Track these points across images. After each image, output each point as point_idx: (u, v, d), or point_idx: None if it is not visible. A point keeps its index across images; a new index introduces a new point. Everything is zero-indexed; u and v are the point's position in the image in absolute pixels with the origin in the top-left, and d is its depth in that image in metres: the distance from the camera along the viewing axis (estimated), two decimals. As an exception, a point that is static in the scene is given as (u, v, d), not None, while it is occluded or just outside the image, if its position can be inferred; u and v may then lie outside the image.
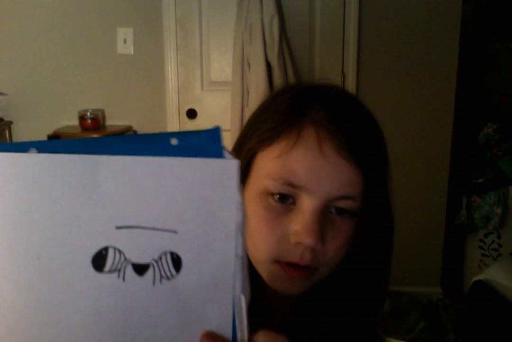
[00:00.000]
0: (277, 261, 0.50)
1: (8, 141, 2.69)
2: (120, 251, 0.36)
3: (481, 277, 1.95)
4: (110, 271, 0.36)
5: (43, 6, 2.60)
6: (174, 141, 0.36)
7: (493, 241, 2.61)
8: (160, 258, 0.37)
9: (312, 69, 2.62)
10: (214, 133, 0.37)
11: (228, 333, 0.38)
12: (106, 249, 0.36)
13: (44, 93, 2.68)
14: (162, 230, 0.37)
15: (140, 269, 0.37)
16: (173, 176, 0.36)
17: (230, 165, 0.37)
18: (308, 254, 0.49)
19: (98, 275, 0.36)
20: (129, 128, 2.65)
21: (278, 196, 0.50)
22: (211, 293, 0.37)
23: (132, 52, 2.61)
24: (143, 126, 2.68)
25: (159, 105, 2.66)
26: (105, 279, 0.36)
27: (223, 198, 0.37)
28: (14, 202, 0.36)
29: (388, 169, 0.55)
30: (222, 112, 2.58)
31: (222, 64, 2.62)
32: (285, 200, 0.50)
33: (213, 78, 2.64)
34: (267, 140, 0.51)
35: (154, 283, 0.37)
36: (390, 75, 2.59)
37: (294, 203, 0.50)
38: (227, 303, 0.37)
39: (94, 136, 2.43)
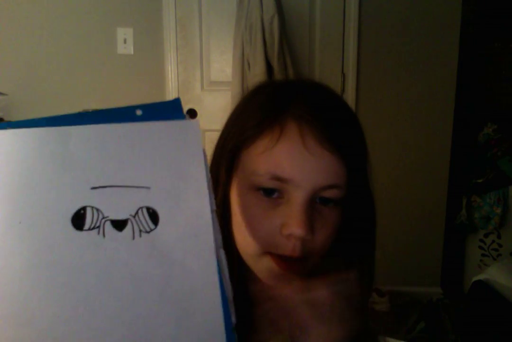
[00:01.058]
0: (269, 253, 0.51)
1: (8, 141, 2.69)
2: (97, 210, 0.38)
3: (481, 277, 1.95)
4: (90, 229, 0.38)
5: (43, 6, 2.60)
6: (139, 112, 0.39)
7: (493, 241, 2.61)
8: (137, 213, 0.39)
9: (312, 69, 2.62)
10: (175, 104, 0.41)
11: (215, 288, 0.38)
12: (84, 208, 0.38)
13: (44, 93, 2.68)
14: (136, 187, 0.39)
15: (119, 224, 0.38)
16: (141, 139, 0.39)
17: (191, 125, 0.42)
18: (299, 245, 0.50)
19: (78, 233, 0.38)
20: (129, 128, 2.65)
21: (265, 190, 0.51)
22: (192, 243, 0.39)
23: (132, 52, 2.62)
24: (143, 126, 2.68)
25: (159, 105, 2.66)
26: (86, 236, 0.38)
27: (189, 155, 0.40)
28: None
29: (368, 158, 0.57)
30: (222, 112, 2.56)
31: (222, 64, 2.62)
32: (272, 194, 0.51)
33: (213, 78, 2.64)
34: (250, 137, 0.51)
35: (133, 237, 0.39)
36: (390, 75, 2.59)
37: (281, 197, 0.51)
38: (210, 255, 0.39)
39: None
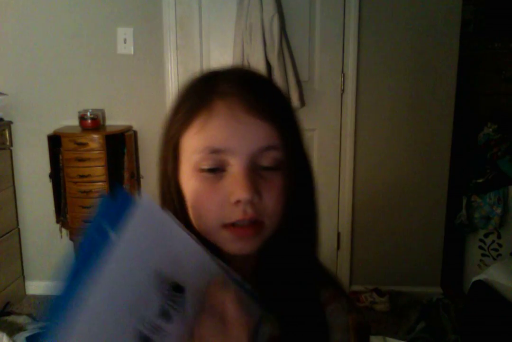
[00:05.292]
0: (225, 226, 0.55)
1: (8, 141, 2.69)
2: None
3: (481, 277, 1.95)
4: None
5: (43, 6, 2.60)
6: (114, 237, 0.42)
7: (493, 241, 2.61)
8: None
9: (312, 69, 2.62)
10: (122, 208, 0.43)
11: None
12: None
13: (44, 93, 2.68)
14: None
15: None
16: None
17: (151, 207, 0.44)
18: (249, 208, 0.54)
19: None
20: (129, 128, 2.65)
21: (207, 169, 0.55)
22: None
23: (132, 52, 2.61)
24: (143, 126, 2.68)
25: (159, 105, 2.66)
26: None
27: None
28: None
29: (298, 123, 0.61)
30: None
31: (222, 64, 2.62)
32: (215, 170, 0.55)
33: (213, 78, 2.64)
34: (185, 122, 0.56)
35: None
36: (390, 75, 2.59)
37: (224, 170, 0.55)
38: None
39: (94, 136, 2.43)
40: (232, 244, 0.56)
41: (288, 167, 0.57)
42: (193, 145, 0.55)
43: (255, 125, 0.53)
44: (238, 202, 0.54)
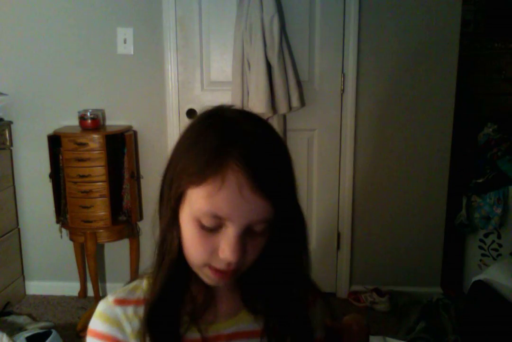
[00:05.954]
0: (208, 265, 0.65)
1: (8, 141, 2.69)
2: None
3: (481, 277, 1.95)
4: None
5: (43, 6, 2.60)
6: None
7: (493, 241, 2.61)
8: None
9: (312, 69, 2.62)
10: None
11: None
12: None
13: (44, 93, 2.68)
14: None
15: None
16: None
17: None
18: (233, 264, 0.63)
19: None
20: (129, 128, 2.65)
21: (207, 226, 0.63)
22: None
23: (132, 52, 2.62)
24: (143, 126, 2.68)
25: (159, 105, 2.66)
26: None
27: None
28: None
29: (295, 187, 0.69)
30: (222, 112, 2.57)
31: (222, 64, 2.62)
32: (214, 224, 0.63)
33: (213, 78, 2.64)
34: (195, 182, 0.62)
35: None
36: (390, 75, 2.59)
37: (221, 226, 0.63)
38: None
39: (94, 136, 2.43)
40: (210, 280, 0.67)
41: (276, 229, 0.66)
42: (200, 206, 0.62)
43: (257, 203, 0.61)
44: (225, 258, 0.63)
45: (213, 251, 0.63)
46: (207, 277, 0.66)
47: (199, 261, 0.65)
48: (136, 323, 0.68)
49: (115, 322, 0.68)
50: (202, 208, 0.62)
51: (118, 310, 0.69)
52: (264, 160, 0.63)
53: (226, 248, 0.62)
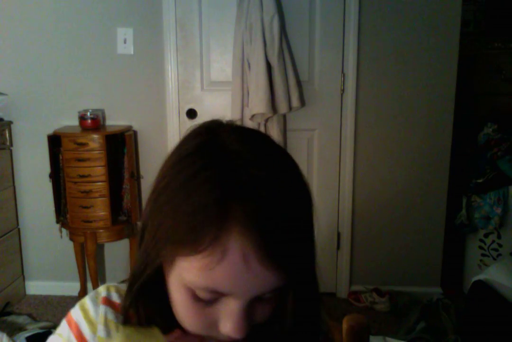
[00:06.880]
0: (209, 337, 0.53)
1: (8, 141, 2.69)
2: None
3: (481, 277, 1.95)
4: None
5: (43, 6, 2.60)
6: None
7: (493, 241, 2.61)
8: None
9: (312, 69, 2.62)
10: None
11: None
12: None
13: (44, 93, 2.68)
14: None
15: None
16: None
17: None
18: (238, 338, 0.51)
19: None
20: (129, 128, 2.65)
21: (203, 300, 0.51)
22: None
23: (132, 52, 2.61)
24: (143, 126, 2.68)
25: (159, 105, 2.66)
26: None
27: None
28: None
29: (313, 249, 0.55)
30: (222, 112, 2.57)
31: (222, 64, 2.62)
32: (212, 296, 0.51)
33: (213, 78, 2.64)
34: (188, 252, 0.47)
35: None
36: (390, 75, 2.59)
37: (221, 297, 0.50)
38: None
39: (94, 136, 2.43)
40: None
41: (289, 292, 0.53)
42: (193, 278, 0.48)
43: (266, 277, 0.48)
44: (228, 336, 0.51)
45: (213, 324, 0.51)
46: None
47: (197, 333, 0.53)
48: (113, 332, 0.61)
49: (92, 324, 0.62)
50: (197, 281, 0.48)
51: (102, 309, 0.62)
52: (278, 218, 0.47)
53: (228, 324, 0.50)
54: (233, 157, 0.48)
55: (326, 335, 0.67)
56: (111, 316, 0.62)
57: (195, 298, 0.50)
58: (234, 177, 0.47)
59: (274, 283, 0.49)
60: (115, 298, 0.64)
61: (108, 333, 0.61)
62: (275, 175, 0.49)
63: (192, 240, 0.46)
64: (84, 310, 0.63)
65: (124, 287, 0.64)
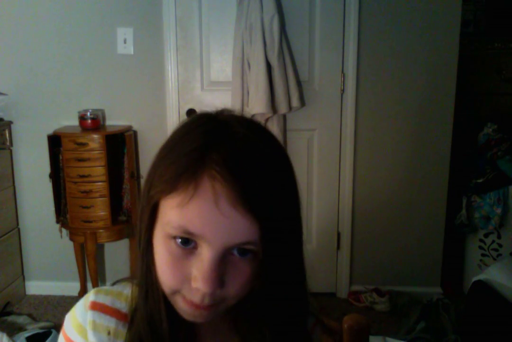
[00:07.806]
0: (178, 292, 0.54)
1: (8, 141, 2.69)
2: None
3: (481, 277, 1.96)
4: None
5: (43, 6, 2.60)
6: None
7: (493, 241, 2.61)
8: None
9: (312, 69, 2.62)
10: None
11: None
12: None
13: (44, 93, 2.68)
14: None
15: None
16: None
17: None
18: (207, 298, 0.52)
19: None
20: (129, 128, 2.65)
21: (180, 240, 0.53)
22: None
23: (132, 52, 2.61)
24: (143, 126, 2.68)
25: (159, 105, 2.66)
26: None
27: None
28: None
29: (294, 209, 0.57)
30: (222, 112, 2.57)
31: (222, 64, 2.62)
32: (187, 244, 0.53)
33: (213, 78, 2.64)
34: (167, 190, 0.52)
35: None
36: (390, 75, 2.59)
37: (196, 247, 0.53)
38: None
39: (94, 136, 2.43)
40: (184, 313, 0.55)
41: (264, 255, 0.53)
42: (170, 217, 0.52)
43: (237, 220, 0.50)
44: (197, 289, 0.52)
45: (185, 279, 0.53)
46: (181, 309, 0.55)
47: (169, 288, 0.54)
48: (103, 336, 0.62)
49: (81, 330, 0.63)
50: (172, 220, 0.52)
51: (89, 315, 0.63)
52: (251, 167, 0.51)
53: (198, 275, 0.51)
54: (223, 122, 0.56)
55: (316, 318, 0.67)
56: (100, 319, 0.63)
57: (172, 249, 0.53)
58: (217, 132, 0.54)
59: (246, 231, 0.50)
60: (104, 300, 0.65)
61: (99, 338, 0.62)
62: (259, 137, 0.55)
63: (173, 179, 0.51)
64: (73, 318, 0.65)
65: (115, 288, 0.67)
